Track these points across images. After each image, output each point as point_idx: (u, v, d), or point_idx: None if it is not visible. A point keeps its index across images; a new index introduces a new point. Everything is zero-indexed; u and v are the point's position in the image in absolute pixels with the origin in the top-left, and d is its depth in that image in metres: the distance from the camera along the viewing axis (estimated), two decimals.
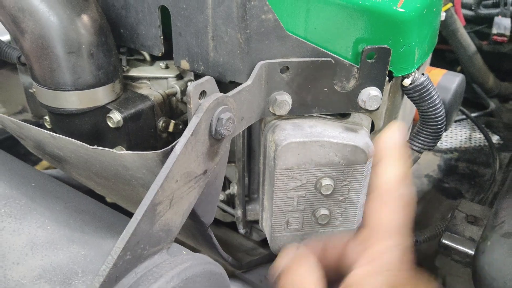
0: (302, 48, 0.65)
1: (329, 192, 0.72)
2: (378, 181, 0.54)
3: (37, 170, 0.74)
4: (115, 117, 0.72)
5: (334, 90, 0.69)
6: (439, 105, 0.74)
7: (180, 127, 0.84)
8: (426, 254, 0.99)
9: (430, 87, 0.73)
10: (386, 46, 0.66)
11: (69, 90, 0.69)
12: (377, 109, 0.71)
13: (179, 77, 0.83)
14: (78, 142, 0.59)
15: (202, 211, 0.67)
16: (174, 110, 0.84)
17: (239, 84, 0.65)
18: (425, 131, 0.77)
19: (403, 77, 0.72)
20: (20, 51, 0.74)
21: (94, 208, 0.64)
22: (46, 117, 0.82)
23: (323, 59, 0.66)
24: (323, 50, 0.66)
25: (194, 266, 0.52)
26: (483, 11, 1.69)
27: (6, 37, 0.99)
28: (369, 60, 0.66)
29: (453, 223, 0.90)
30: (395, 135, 0.57)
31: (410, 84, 0.72)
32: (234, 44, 0.66)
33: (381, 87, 0.70)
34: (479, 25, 1.72)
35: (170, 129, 0.82)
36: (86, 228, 0.59)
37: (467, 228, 0.89)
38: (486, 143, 1.56)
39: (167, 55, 0.77)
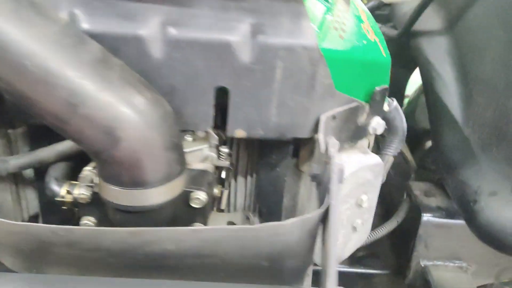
0: (342, 99, 0.81)
1: (366, 205, 0.89)
2: None
3: None
4: (202, 197, 0.77)
5: (356, 125, 0.87)
6: (404, 120, 0.98)
7: (222, 190, 0.92)
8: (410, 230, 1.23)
9: (399, 108, 0.97)
10: (386, 86, 0.87)
11: (162, 184, 0.72)
12: None
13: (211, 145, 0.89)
14: (242, 226, 0.68)
15: None
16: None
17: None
18: (396, 140, 1.00)
19: None
20: (101, 164, 0.71)
21: None
22: (90, 219, 0.81)
23: (354, 104, 0.83)
24: (352, 97, 0.83)
25: None
26: None
27: None
28: (377, 98, 0.86)
29: (419, 200, 1.16)
30: None
31: (388, 108, 0.94)
32: (299, 107, 0.78)
33: (380, 116, 0.91)
34: None
35: (219, 193, 0.90)
36: None
37: (429, 200, 1.15)
38: None
39: None
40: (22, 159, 0.83)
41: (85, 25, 0.73)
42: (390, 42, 1.54)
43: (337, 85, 0.80)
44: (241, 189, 1.00)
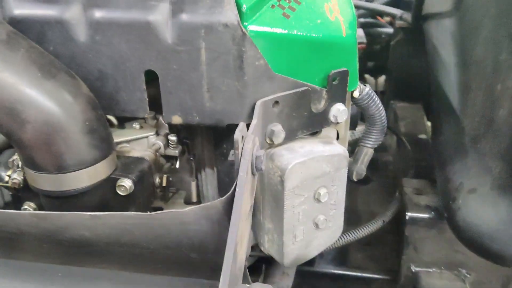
0: (286, 83, 0.75)
1: (325, 199, 0.81)
2: None
3: None
4: (127, 184, 0.75)
5: (311, 112, 0.79)
6: (382, 108, 0.89)
7: (170, 179, 0.89)
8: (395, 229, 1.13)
9: (373, 94, 0.88)
10: (345, 69, 0.79)
11: (78, 169, 0.70)
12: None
13: (157, 133, 0.87)
14: (139, 213, 0.64)
15: None
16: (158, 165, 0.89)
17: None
18: (374, 131, 0.92)
19: (352, 91, 0.86)
20: (16, 148, 0.71)
21: None
22: (30, 204, 0.82)
23: (302, 88, 0.77)
24: (301, 81, 0.77)
25: None
26: None
27: None
28: (334, 82, 0.79)
29: (407, 198, 1.06)
30: None
31: (359, 95, 0.86)
32: (232, 91, 0.73)
33: (344, 102, 0.83)
34: None
35: (164, 183, 0.87)
36: None
37: (418, 198, 1.06)
38: None
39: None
40: None
41: (16, 11, 0.73)
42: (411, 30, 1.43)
43: (276, 67, 0.74)
44: (212, 181, 0.96)
